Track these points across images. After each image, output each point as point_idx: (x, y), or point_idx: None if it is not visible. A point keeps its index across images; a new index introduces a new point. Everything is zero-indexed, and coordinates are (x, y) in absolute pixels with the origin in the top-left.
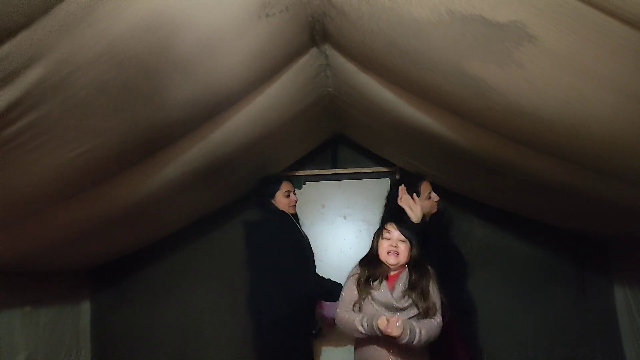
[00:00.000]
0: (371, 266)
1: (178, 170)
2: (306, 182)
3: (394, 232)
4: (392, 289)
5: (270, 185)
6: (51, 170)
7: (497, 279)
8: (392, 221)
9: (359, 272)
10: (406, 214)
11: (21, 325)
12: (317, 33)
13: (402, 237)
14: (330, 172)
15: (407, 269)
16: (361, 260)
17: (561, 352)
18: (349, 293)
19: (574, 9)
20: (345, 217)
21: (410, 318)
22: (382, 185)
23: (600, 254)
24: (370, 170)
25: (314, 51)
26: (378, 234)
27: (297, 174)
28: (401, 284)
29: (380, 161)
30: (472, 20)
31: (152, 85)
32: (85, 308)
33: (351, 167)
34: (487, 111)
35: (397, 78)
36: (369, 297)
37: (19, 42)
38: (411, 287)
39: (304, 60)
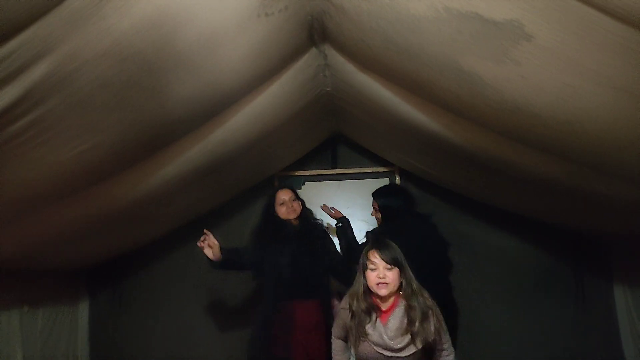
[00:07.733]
0: (362, 298)
1: (178, 169)
2: (306, 182)
3: (378, 262)
4: (385, 324)
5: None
6: (53, 168)
7: (496, 280)
8: (373, 248)
9: (350, 305)
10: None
11: (19, 325)
12: (315, 32)
13: (388, 265)
14: (330, 172)
15: (401, 302)
16: (350, 294)
17: (561, 352)
18: (344, 319)
19: (569, 6)
20: None
21: (409, 356)
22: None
23: (599, 254)
24: (370, 170)
25: (313, 51)
26: (363, 266)
27: (297, 174)
28: (396, 320)
29: (380, 161)
30: (468, 18)
31: (154, 82)
32: (84, 308)
33: (351, 167)
34: (483, 108)
35: (395, 76)
36: (366, 336)
37: (25, 38)
38: (409, 321)
39: (303, 60)
